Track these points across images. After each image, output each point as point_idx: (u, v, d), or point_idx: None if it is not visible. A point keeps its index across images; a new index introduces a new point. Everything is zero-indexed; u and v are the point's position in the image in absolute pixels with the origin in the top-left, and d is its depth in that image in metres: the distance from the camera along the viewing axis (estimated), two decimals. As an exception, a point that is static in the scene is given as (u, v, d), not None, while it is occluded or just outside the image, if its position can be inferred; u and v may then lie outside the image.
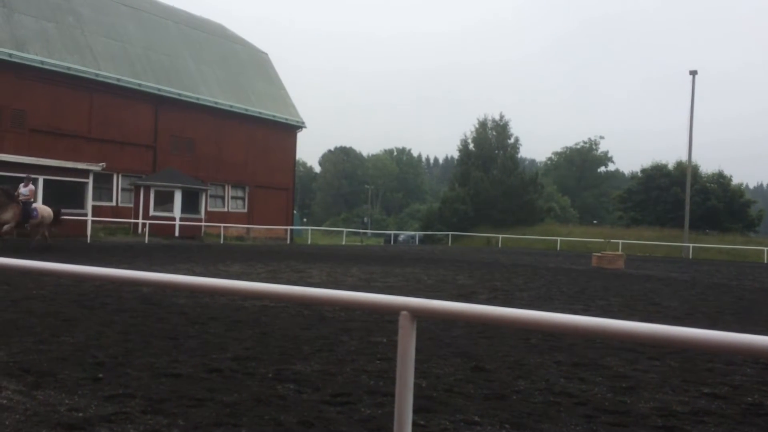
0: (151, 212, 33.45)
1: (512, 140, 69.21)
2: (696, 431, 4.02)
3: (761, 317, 10.12)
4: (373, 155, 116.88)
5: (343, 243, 47.19)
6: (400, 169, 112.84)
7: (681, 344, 1.86)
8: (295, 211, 50.77)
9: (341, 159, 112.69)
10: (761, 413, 4.46)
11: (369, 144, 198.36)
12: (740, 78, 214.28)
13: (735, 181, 62.36)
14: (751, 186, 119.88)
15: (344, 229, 54.36)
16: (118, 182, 34.29)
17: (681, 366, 5.96)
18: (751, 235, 55.14)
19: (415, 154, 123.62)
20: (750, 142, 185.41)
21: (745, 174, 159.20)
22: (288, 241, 41.32)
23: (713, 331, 1.82)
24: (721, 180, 60.50)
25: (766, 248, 39.38)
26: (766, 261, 37.28)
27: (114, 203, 34.07)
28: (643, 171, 64.77)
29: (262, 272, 15.12)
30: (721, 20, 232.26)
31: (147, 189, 33.77)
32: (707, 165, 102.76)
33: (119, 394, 4.29)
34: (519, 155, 72.38)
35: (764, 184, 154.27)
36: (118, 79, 33.70)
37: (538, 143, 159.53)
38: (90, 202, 30.60)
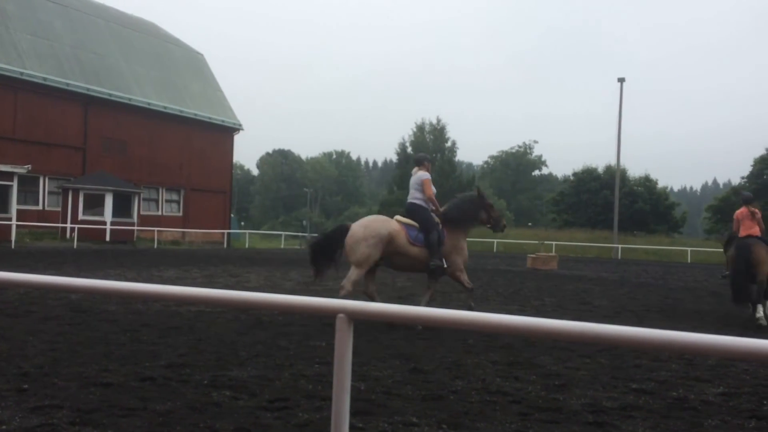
0: (81, 216, 32.28)
1: (449, 144, 70.16)
2: (624, 426, 4.15)
3: (686, 315, 10.57)
4: (312, 158, 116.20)
5: (282, 246, 46.71)
6: (339, 172, 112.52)
7: (610, 342, 1.92)
8: (232, 215, 49.95)
9: (279, 162, 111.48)
10: (686, 407, 4.65)
11: (308, 147, 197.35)
12: (664, 94, 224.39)
13: (660, 184, 65.06)
14: (675, 189, 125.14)
15: (283, 233, 53.82)
16: (44, 185, 32.94)
17: (610, 363, 6.16)
18: (675, 236, 57.50)
19: (354, 157, 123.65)
20: (675, 149, 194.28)
21: (670, 178, 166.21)
22: (225, 246, 40.59)
23: (640, 329, 1.87)
24: (647, 183, 62.96)
25: (689, 248, 41.15)
26: (689, 261, 38.95)
27: (40, 207, 32.69)
28: (575, 175, 66.75)
29: (198, 277, 14.81)
30: (648, 45, 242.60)
31: (76, 192, 32.57)
32: (635, 169, 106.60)
33: (45, 405, 4.11)
34: (456, 159, 73.41)
35: (688, 187, 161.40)
36: (45, 78, 32.38)
37: (480, 150, 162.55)
38: (14, 206, 29.28)
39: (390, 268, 8.89)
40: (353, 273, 8.23)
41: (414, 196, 8.63)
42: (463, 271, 8.69)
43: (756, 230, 10.10)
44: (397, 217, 8.62)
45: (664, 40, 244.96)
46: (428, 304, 8.49)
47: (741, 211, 10.37)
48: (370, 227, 8.23)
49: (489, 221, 8.94)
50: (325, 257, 8.53)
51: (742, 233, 10.19)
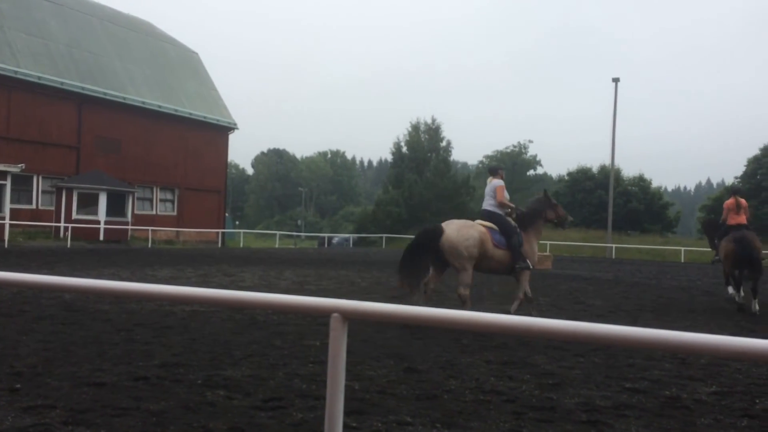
0: (74, 215, 32.17)
1: (444, 143, 70.17)
2: (618, 424, 4.17)
3: (679, 314, 10.60)
4: (306, 157, 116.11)
5: (277, 246, 46.66)
6: (334, 171, 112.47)
7: (604, 341, 1.92)
8: (227, 214, 49.84)
9: (274, 161, 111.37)
10: (678, 406, 4.67)
11: (303, 146, 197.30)
12: (659, 94, 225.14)
13: (654, 184, 65.27)
14: (669, 189, 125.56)
15: (277, 232, 53.73)
16: (38, 184, 32.82)
17: (604, 362, 6.17)
18: (669, 236, 57.68)
19: (349, 156, 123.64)
20: (669, 149, 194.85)
21: (664, 178, 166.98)
22: (219, 245, 40.52)
23: (634, 328, 1.88)
24: (641, 183, 63.21)
25: (683, 248, 41.25)
26: (683, 260, 39.06)
27: (34, 206, 32.57)
28: (569, 174, 66.92)
29: (193, 276, 14.78)
30: (643, 48, 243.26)
31: (70, 191, 32.46)
32: (629, 169, 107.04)
33: (38, 405, 4.10)
34: (451, 158, 73.45)
35: (681, 187, 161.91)
36: (39, 77, 32.26)
37: (476, 150, 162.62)
38: (8, 205, 29.18)
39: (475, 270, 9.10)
40: (464, 276, 8.46)
41: (489, 203, 9.08)
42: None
43: (743, 219, 11.02)
44: (479, 221, 8.94)
45: (659, 42, 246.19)
46: (532, 309, 8.93)
47: (730, 201, 11.29)
48: (462, 232, 8.48)
49: (556, 219, 9.53)
50: (419, 265, 8.55)
51: (731, 222, 11.10)
